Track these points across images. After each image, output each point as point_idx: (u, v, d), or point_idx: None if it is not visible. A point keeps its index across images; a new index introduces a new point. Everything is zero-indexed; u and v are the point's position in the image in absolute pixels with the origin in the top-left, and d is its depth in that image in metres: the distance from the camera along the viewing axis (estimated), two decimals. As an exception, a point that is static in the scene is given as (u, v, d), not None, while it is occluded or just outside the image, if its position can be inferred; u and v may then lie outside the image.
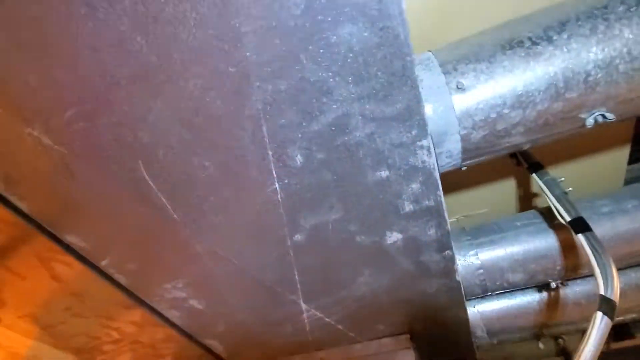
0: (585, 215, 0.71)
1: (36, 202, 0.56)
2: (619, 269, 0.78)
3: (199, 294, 0.73)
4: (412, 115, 0.44)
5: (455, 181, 0.93)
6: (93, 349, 0.89)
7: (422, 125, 0.45)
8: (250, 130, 0.47)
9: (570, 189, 0.68)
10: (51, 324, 0.80)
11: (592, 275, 0.81)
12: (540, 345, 1.45)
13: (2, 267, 0.70)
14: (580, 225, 0.60)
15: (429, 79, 0.48)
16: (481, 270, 0.74)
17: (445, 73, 0.48)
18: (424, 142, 0.46)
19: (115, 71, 0.42)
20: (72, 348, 0.88)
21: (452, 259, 0.63)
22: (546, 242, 0.70)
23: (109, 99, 0.44)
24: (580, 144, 0.83)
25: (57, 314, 0.77)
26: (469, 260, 0.75)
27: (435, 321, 0.80)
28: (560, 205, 0.65)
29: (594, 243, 0.57)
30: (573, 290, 0.82)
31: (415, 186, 0.52)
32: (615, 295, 0.51)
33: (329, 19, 0.37)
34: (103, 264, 0.66)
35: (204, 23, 0.38)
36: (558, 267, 0.71)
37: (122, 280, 0.70)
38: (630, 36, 0.43)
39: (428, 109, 0.48)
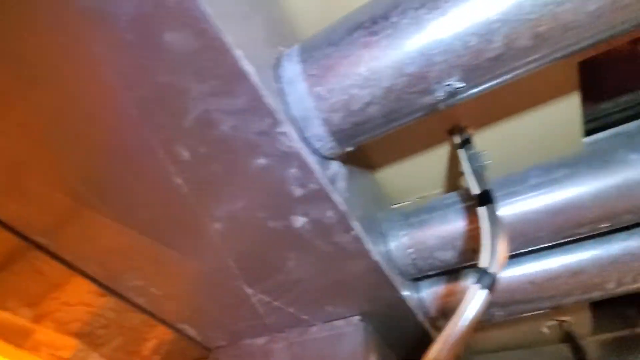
0: (515, 188, 0.69)
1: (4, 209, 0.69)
2: (559, 244, 0.74)
3: (154, 282, 0.83)
4: (260, 106, 0.47)
5: (409, 164, 0.93)
6: (90, 334, 1.02)
7: (272, 114, 0.48)
8: (136, 133, 0.54)
9: (490, 161, 0.67)
10: (48, 311, 0.94)
11: (536, 252, 0.78)
12: (545, 330, 1.38)
13: (7, 272, 0.85)
14: (484, 198, 0.59)
15: (289, 69, 0.51)
16: (411, 250, 0.74)
17: (302, 62, 0.50)
18: (281, 129, 0.50)
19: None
20: (72, 333, 1.03)
21: (360, 240, 0.65)
22: (471, 219, 0.69)
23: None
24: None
25: (50, 303, 0.91)
26: (401, 241, 0.76)
27: (377, 302, 0.81)
28: (473, 178, 0.64)
29: (491, 216, 0.56)
30: (521, 269, 0.79)
31: (294, 171, 0.55)
32: (497, 270, 0.50)
33: (153, 28, 0.42)
34: (68, 258, 0.78)
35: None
36: (489, 243, 0.70)
37: (89, 271, 0.81)
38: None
39: (290, 97, 0.51)
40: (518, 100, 0.76)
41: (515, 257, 0.81)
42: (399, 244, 0.76)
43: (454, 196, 0.75)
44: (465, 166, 0.67)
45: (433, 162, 0.91)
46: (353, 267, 0.72)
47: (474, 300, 0.49)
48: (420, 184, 0.96)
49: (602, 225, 0.65)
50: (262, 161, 0.55)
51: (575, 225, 0.65)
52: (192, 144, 0.54)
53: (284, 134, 0.50)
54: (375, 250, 0.69)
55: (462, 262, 0.74)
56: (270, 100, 0.47)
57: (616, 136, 0.74)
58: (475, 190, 0.62)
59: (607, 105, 0.93)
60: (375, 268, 0.70)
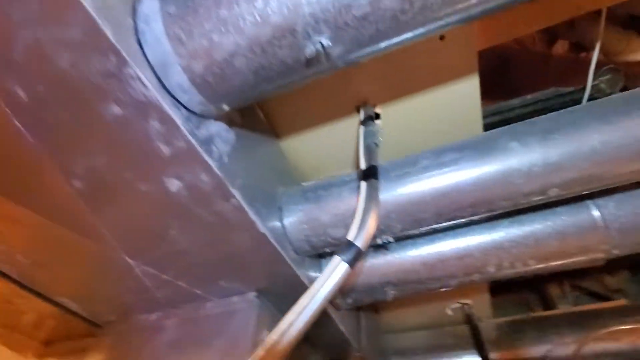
0: (408, 169, 0.68)
1: None
2: (451, 227, 0.77)
3: (19, 248, 0.73)
4: (99, 40, 0.41)
5: (321, 141, 0.90)
6: (-48, 305, 0.89)
7: (117, 51, 0.41)
8: (-50, 60, 0.44)
9: (381, 139, 0.66)
10: None
11: (432, 234, 0.80)
12: (449, 311, 1.47)
13: None
14: (369, 173, 0.58)
15: (146, 4, 0.45)
16: (305, 226, 0.72)
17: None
18: (130, 71, 0.43)
19: None
20: None
21: (242, 209, 0.61)
22: (362, 196, 0.68)
23: None
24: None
25: None
26: (296, 216, 0.73)
27: (273, 278, 0.79)
28: (364, 154, 0.63)
29: (370, 190, 0.55)
30: (416, 251, 0.81)
31: (155, 124, 0.49)
32: (363, 244, 0.49)
33: None
34: None
35: None
36: (381, 226, 0.69)
37: None
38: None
39: (146, 37, 0.45)
40: (421, 86, 0.76)
41: (411, 238, 0.83)
42: (293, 220, 0.73)
43: (354, 174, 0.74)
44: (360, 142, 0.65)
45: (344, 140, 0.89)
46: (240, 240, 0.68)
47: (336, 272, 0.47)
48: (332, 162, 0.94)
49: (481, 210, 0.67)
50: (116, 110, 0.48)
51: (456, 208, 0.67)
52: (27, 81, 0.46)
53: (136, 78, 0.44)
54: (264, 223, 0.65)
55: (354, 240, 0.73)
56: (110, 32, 0.40)
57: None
58: (363, 165, 0.61)
59: (514, 102, 0.97)
60: (264, 241, 0.67)
